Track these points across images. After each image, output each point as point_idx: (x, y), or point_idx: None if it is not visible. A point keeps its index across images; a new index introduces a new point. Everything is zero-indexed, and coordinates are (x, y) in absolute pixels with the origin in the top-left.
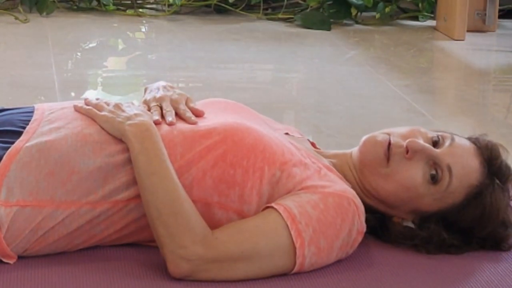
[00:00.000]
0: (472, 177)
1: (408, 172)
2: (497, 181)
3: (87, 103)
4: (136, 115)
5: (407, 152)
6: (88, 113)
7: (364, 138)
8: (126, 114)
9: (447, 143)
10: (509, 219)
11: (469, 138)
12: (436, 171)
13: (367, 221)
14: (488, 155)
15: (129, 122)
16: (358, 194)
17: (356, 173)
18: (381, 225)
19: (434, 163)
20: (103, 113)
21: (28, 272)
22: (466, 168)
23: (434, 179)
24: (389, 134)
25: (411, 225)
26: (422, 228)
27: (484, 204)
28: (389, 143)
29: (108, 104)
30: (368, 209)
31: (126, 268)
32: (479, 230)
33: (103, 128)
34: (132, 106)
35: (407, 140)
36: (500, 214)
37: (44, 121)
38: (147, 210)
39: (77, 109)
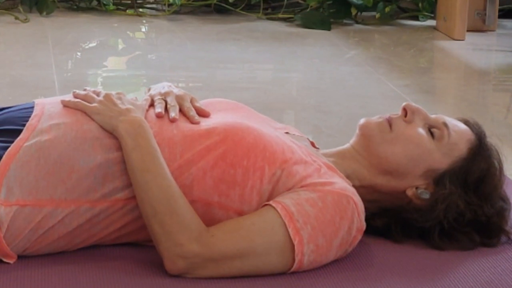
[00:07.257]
0: (467, 132)
1: (412, 130)
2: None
3: (76, 95)
4: (128, 110)
5: (406, 115)
6: (77, 106)
7: (359, 123)
8: (118, 109)
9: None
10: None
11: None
12: (435, 130)
13: (374, 224)
14: (470, 121)
15: (121, 117)
16: (366, 189)
17: (361, 157)
18: (395, 222)
19: (430, 126)
20: (93, 104)
21: (28, 272)
22: (458, 126)
23: (434, 135)
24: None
25: (427, 195)
26: (439, 189)
27: (488, 156)
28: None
29: (98, 94)
30: (378, 209)
31: (126, 267)
32: (488, 182)
33: (94, 120)
34: (123, 98)
35: (403, 104)
36: (501, 169)
37: (44, 116)
38: (142, 208)
39: (65, 103)
